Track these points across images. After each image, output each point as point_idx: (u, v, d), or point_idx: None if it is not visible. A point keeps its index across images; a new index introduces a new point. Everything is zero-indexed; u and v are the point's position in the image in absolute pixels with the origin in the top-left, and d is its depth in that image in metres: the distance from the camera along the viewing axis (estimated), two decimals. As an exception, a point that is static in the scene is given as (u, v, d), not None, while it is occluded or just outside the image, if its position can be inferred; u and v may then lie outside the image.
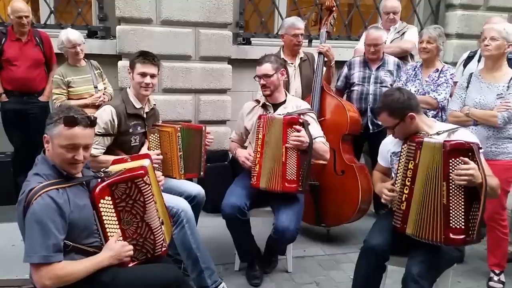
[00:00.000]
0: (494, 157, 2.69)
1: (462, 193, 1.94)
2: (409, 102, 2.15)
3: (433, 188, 1.99)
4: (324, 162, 3.14)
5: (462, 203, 1.94)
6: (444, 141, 1.99)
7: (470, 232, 1.95)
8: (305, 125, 2.58)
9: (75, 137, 1.69)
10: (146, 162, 1.97)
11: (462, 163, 1.92)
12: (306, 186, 2.68)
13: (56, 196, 1.64)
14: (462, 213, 1.94)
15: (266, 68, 2.73)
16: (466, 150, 1.95)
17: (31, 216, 1.61)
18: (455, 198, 1.94)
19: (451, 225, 1.94)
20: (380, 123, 3.49)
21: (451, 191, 1.94)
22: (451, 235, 1.94)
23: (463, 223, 1.93)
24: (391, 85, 3.45)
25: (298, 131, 2.54)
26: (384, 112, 2.18)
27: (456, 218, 1.94)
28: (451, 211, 1.94)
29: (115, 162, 2.04)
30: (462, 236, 1.94)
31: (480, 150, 2.02)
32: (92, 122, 1.75)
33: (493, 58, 2.70)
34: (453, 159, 1.94)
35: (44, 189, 1.63)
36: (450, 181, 1.94)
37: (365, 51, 3.54)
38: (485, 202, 1.93)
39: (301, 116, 2.67)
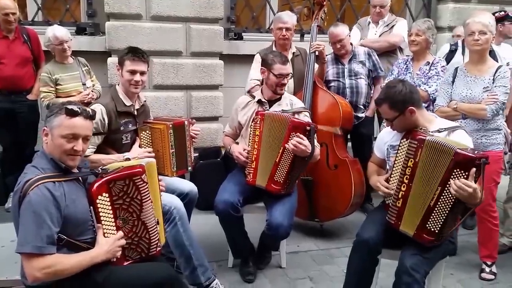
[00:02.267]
0: (485, 149, 2.70)
1: (451, 203, 1.93)
2: (410, 96, 2.13)
3: (428, 188, 1.98)
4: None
5: (446, 212, 1.95)
6: (458, 148, 1.90)
7: (440, 237, 1.99)
8: (311, 133, 2.54)
9: (76, 127, 1.73)
10: (148, 161, 2.00)
11: (464, 177, 1.88)
12: (291, 190, 2.68)
13: (52, 188, 1.65)
14: (442, 220, 1.96)
15: (289, 68, 2.76)
16: (475, 166, 1.87)
17: (26, 206, 1.61)
18: (442, 205, 1.95)
19: (427, 226, 1.98)
20: (360, 115, 3.52)
21: (441, 197, 1.94)
22: (424, 235, 1.99)
23: (438, 228, 1.97)
24: (367, 75, 3.52)
25: (302, 138, 2.49)
26: (385, 103, 2.16)
27: (434, 222, 1.97)
28: (432, 214, 1.97)
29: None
30: (431, 238, 1.99)
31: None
32: (92, 116, 1.81)
33: (480, 52, 2.71)
34: (458, 170, 1.89)
35: (41, 180, 1.65)
36: (446, 188, 1.92)
37: (333, 50, 3.56)
38: (466, 217, 1.99)
39: (294, 113, 2.64)
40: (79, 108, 1.76)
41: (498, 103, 2.64)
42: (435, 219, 1.96)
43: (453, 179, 1.90)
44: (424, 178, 2.01)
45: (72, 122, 1.73)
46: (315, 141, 2.74)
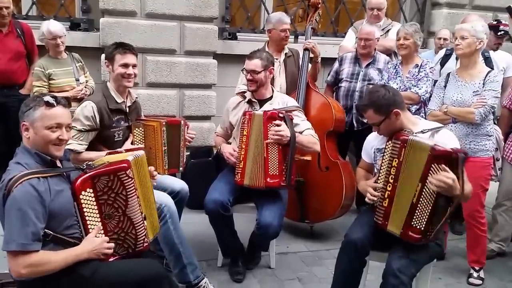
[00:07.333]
0: (473, 154, 2.73)
1: (433, 198, 1.95)
2: (394, 99, 2.17)
3: (409, 186, 2.01)
4: (308, 158, 3.16)
5: (430, 207, 1.96)
6: (435, 144, 1.96)
7: (427, 234, 2.00)
8: (286, 119, 2.57)
9: (58, 116, 1.75)
10: (138, 154, 2.00)
11: (442, 170, 1.92)
12: (292, 181, 2.65)
13: (37, 184, 1.65)
14: (426, 216, 1.97)
15: (256, 64, 2.71)
16: (451, 160, 1.94)
17: (11, 203, 1.61)
18: (425, 201, 1.96)
19: (412, 223, 1.99)
20: (365, 120, 3.52)
21: (423, 193, 1.96)
22: (409, 233, 2.00)
23: (423, 225, 1.98)
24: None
25: (278, 125, 2.53)
26: (370, 109, 2.19)
27: (418, 219, 1.98)
28: (416, 211, 1.98)
29: (111, 154, 2.07)
30: (418, 236, 1.99)
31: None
32: (68, 104, 1.86)
33: (466, 56, 2.75)
34: (435, 164, 1.93)
35: (25, 177, 1.64)
36: (426, 184, 1.95)
37: (357, 46, 3.54)
38: (452, 212, 1.98)
39: (287, 113, 2.64)
40: (55, 98, 1.78)
41: (487, 107, 2.67)
42: (419, 215, 1.98)
43: (431, 174, 1.93)
44: (407, 177, 2.03)
45: (53, 112, 1.74)
46: (312, 131, 2.75)
